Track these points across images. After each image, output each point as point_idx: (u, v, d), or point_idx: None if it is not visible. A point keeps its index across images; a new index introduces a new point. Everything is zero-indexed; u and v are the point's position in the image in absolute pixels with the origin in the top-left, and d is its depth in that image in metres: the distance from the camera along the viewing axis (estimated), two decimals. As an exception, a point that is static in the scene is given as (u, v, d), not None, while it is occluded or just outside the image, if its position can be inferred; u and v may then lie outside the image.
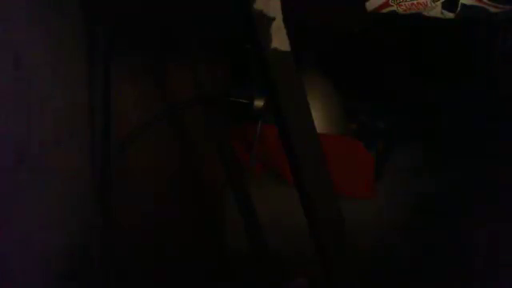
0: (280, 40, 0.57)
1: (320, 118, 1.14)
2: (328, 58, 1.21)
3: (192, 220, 1.05)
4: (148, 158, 0.96)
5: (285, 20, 0.57)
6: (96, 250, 0.76)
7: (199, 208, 1.09)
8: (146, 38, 0.94)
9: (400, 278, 0.99)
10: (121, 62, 0.83)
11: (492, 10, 0.86)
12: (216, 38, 1.05)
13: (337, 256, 0.63)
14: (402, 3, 0.88)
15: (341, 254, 0.63)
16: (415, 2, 0.87)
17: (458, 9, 0.87)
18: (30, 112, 0.63)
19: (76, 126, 0.75)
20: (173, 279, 0.97)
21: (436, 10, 0.88)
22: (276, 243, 1.05)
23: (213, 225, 1.13)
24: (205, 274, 1.05)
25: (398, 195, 1.13)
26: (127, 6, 0.85)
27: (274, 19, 0.56)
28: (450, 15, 0.88)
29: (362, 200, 1.09)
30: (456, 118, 1.11)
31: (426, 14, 0.89)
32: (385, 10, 0.90)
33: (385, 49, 1.16)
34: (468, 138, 1.07)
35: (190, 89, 1.05)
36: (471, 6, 0.86)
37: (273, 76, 0.57)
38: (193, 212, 1.07)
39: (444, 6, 0.87)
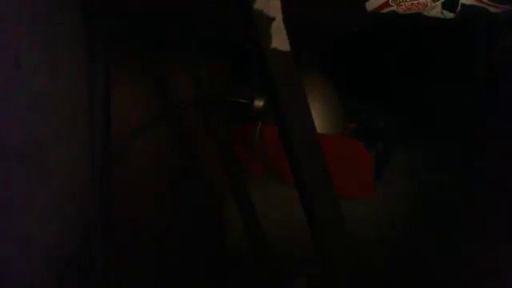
0: (280, 40, 0.57)
1: (320, 118, 1.14)
2: (328, 58, 1.21)
3: (192, 220, 1.05)
4: (148, 157, 0.96)
5: (285, 20, 0.57)
6: (96, 250, 0.76)
7: (199, 208, 1.09)
8: (145, 38, 0.94)
9: (400, 278, 0.99)
10: (121, 62, 0.83)
11: (492, 9, 0.86)
12: (216, 38, 1.05)
13: (337, 256, 0.64)
14: (402, 3, 0.88)
15: (341, 253, 0.63)
16: (415, 2, 0.87)
17: (458, 9, 0.87)
18: (30, 112, 0.63)
19: (76, 126, 0.75)
20: (173, 279, 0.97)
21: (436, 10, 0.88)
22: (276, 243, 1.05)
23: (213, 225, 1.13)
24: (205, 273, 1.05)
25: (398, 195, 1.13)
26: (127, 6, 0.85)
27: (273, 19, 0.56)
28: (450, 15, 0.88)
29: (361, 200, 1.09)
30: (456, 117, 1.11)
31: (425, 13, 0.89)
32: (385, 10, 0.90)
33: (385, 49, 1.16)
34: (468, 138, 1.07)
35: (190, 89, 1.05)
36: (471, 6, 0.86)
37: (273, 76, 0.57)
38: (193, 212, 1.07)
39: (444, 6, 0.87)
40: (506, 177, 0.99)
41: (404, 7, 0.88)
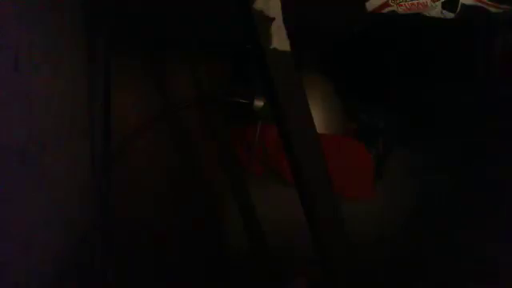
0: (280, 40, 0.57)
1: (320, 118, 1.14)
2: (328, 58, 1.21)
3: (192, 220, 1.05)
4: (148, 157, 0.96)
5: (285, 20, 0.57)
6: (96, 249, 0.76)
7: (199, 208, 1.09)
8: (145, 38, 0.94)
9: (400, 278, 0.99)
10: (121, 63, 0.83)
11: (492, 9, 0.86)
12: (216, 38, 1.05)
13: (337, 256, 0.64)
14: (402, 3, 0.88)
15: (341, 253, 0.63)
16: (415, 2, 0.87)
17: (458, 9, 0.87)
18: (30, 112, 0.63)
19: (76, 126, 0.75)
20: (173, 279, 0.97)
21: (436, 10, 0.88)
22: (276, 243, 1.05)
23: (213, 225, 1.13)
24: (205, 273, 1.05)
25: (398, 195, 1.13)
26: (127, 6, 0.85)
27: (273, 19, 0.56)
28: (450, 15, 0.88)
29: (362, 200, 1.09)
30: (456, 117, 1.11)
31: (426, 14, 0.89)
32: (385, 10, 0.90)
33: (385, 49, 1.16)
34: (468, 138, 1.07)
35: (190, 89, 1.05)
36: (471, 6, 0.86)
37: (273, 76, 0.57)
38: (193, 212, 1.07)
39: (444, 6, 0.87)
40: (506, 177, 0.99)
41: (404, 7, 0.89)
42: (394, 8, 0.89)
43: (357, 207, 1.01)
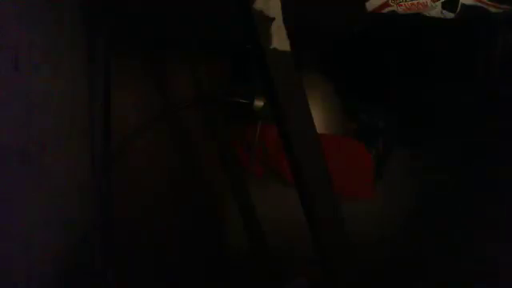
0: (280, 40, 0.57)
1: (320, 118, 1.14)
2: (328, 58, 1.21)
3: (192, 220, 1.05)
4: (148, 157, 0.96)
5: (285, 20, 0.57)
6: (96, 250, 0.76)
7: (199, 208, 1.09)
8: (145, 38, 0.94)
9: (400, 278, 0.99)
10: (121, 63, 0.83)
11: (492, 9, 0.86)
12: (216, 38, 1.05)
13: (337, 256, 0.64)
14: (402, 3, 0.88)
15: (341, 253, 0.63)
16: (415, 2, 0.87)
17: (458, 9, 0.87)
18: (30, 112, 0.63)
19: (76, 126, 0.75)
20: (173, 279, 0.97)
21: (436, 10, 0.88)
22: (276, 243, 1.05)
23: (213, 225, 1.13)
24: (205, 274, 1.05)
25: (398, 195, 1.13)
26: (127, 6, 0.85)
27: (273, 19, 0.56)
28: (450, 15, 0.88)
29: (362, 200, 1.09)
30: (456, 117, 1.11)
31: (426, 14, 0.89)
32: (385, 10, 0.90)
33: (385, 49, 1.16)
34: (468, 138, 1.07)
35: (190, 89, 1.05)
36: (471, 6, 0.86)
37: (273, 76, 0.57)
38: (193, 212, 1.07)
39: (444, 6, 0.87)
40: (505, 177, 0.99)
41: (404, 7, 0.88)
42: (394, 8, 0.89)
43: (357, 207, 1.01)
